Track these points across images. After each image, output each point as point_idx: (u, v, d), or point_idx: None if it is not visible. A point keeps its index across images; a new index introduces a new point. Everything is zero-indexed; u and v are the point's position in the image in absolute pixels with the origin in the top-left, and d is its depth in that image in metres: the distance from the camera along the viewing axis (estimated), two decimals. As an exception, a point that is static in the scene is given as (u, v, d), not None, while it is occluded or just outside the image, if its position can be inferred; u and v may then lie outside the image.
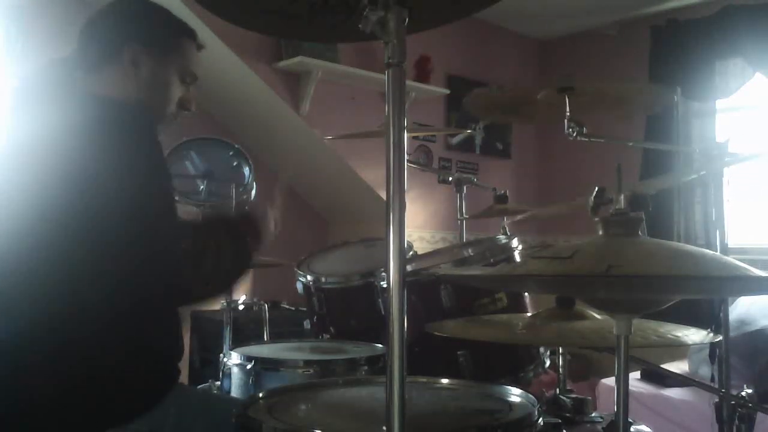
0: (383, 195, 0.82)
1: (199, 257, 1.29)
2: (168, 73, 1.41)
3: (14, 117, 1.31)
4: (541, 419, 1.06)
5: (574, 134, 1.72)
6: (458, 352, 1.72)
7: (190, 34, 1.45)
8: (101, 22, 1.41)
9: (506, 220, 2.46)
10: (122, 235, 1.17)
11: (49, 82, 1.35)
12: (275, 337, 2.33)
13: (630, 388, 0.93)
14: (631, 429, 1.56)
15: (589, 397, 1.63)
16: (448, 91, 4.27)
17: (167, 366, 1.32)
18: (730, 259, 0.86)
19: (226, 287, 1.52)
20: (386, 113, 0.81)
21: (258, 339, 2.30)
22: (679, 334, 1.10)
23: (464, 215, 2.50)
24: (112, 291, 1.18)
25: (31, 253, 1.18)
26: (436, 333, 1.30)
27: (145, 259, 1.18)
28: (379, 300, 1.96)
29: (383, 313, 1.94)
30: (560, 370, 1.68)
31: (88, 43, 1.39)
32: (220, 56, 3.36)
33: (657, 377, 3.01)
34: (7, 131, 1.30)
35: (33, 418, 1.16)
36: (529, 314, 1.42)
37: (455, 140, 4.41)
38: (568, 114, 1.71)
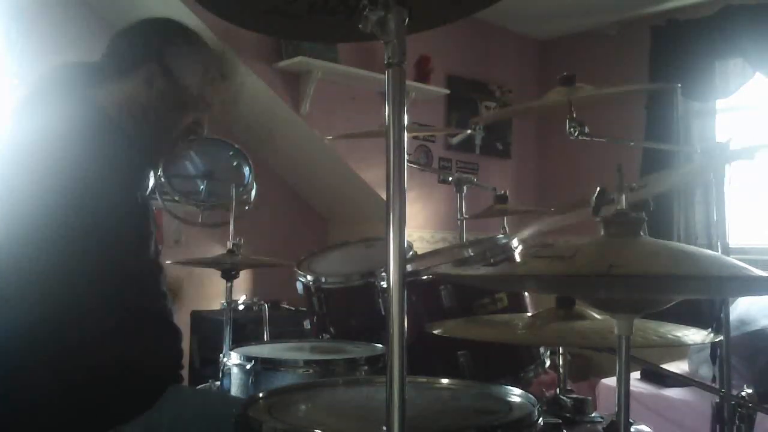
0: (383, 195, 0.81)
1: None
2: (177, 115, 1.38)
3: (20, 116, 1.30)
4: (541, 419, 1.06)
5: (575, 134, 1.72)
6: (458, 352, 1.72)
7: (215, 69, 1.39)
8: (127, 34, 1.39)
9: (506, 224, 2.45)
10: (121, 238, 1.17)
11: (59, 86, 1.33)
12: (275, 337, 2.33)
13: (630, 388, 0.93)
14: (632, 429, 1.56)
15: (589, 397, 1.62)
16: (448, 91, 4.27)
17: (166, 366, 1.32)
18: (730, 259, 0.86)
19: None
20: (386, 113, 0.81)
21: (258, 339, 2.30)
22: (680, 334, 1.10)
23: (464, 215, 2.50)
24: (110, 294, 1.18)
25: (30, 255, 1.18)
26: (436, 333, 1.30)
27: (140, 264, 1.19)
28: (379, 300, 1.96)
29: (383, 313, 1.93)
30: (560, 370, 1.68)
31: (112, 52, 1.37)
32: (220, 56, 3.35)
33: (657, 377, 3.00)
34: (9, 130, 1.30)
35: (33, 419, 1.16)
36: (529, 314, 1.42)
37: (455, 140, 4.41)
38: (572, 114, 1.71)
